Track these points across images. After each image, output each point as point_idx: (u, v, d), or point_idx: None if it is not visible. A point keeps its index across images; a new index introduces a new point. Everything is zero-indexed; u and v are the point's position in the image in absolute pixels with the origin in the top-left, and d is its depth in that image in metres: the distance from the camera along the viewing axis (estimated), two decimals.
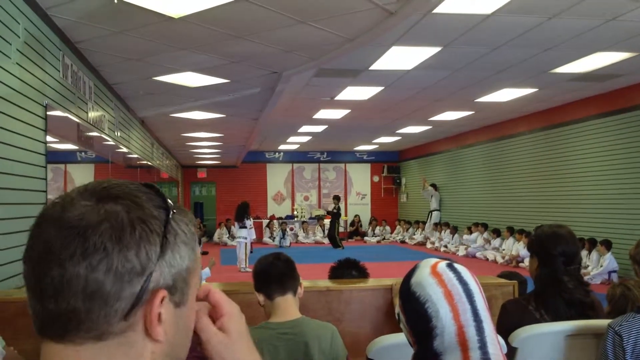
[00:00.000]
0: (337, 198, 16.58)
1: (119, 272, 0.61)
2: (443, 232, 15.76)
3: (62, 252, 0.61)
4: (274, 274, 2.17)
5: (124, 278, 0.61)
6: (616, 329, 1.98)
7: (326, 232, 18.40)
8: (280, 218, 18.77)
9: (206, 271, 6.64)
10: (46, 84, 4.39)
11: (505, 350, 1.62)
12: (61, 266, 0.61)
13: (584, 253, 9.31)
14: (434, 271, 1.25)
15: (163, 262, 0.64)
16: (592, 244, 9.64)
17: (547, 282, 2.33)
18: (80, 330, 0.62)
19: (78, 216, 0.62)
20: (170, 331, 0.66)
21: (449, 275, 1.23)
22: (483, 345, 1.16)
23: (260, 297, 2.20)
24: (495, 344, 1.18)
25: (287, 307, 2.16)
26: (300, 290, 2.24)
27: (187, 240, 0.68)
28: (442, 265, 1.27)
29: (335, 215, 16.08)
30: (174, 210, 0.68)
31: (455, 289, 1.21)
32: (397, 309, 1.31)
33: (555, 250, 2.32)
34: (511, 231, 12.55)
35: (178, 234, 0.67)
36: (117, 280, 0.61)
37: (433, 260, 1.30)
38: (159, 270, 0.64)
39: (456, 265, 1.28)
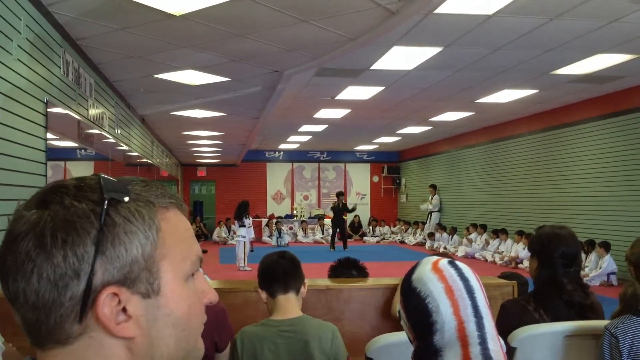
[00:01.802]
0: (339, 194, 16.36)
1: (51, 279, 0.61)
2: (440, 234, 15.78)
3: (5, 267, 0.63)
4: (278, 272, 2.18)
5: (58, 284, 0.61)
6: (612, 330, 1.98)
7: (326, 232, 18.40)
8: (280, 217, 18.77)
9: None
10: (47, 80, 4.38)
11: (504, 349, 1.63)
12: (6, 281, 0.63)
13: (582, 255, 9.31)
14: (435, 267, 1.25)
15: (103, 258, 0.62)
16: (590, 245, 9.64)
17: (547, 283, 2.33)
18: (42, 337, 0.63)
19: (15, 228, 0.63)
20: (147, 324, 0.64)
21: (450, 272, 1.23)
22: (483, 341, 1.16)
23: (263, 295, 2.20)
24: (495, 340, 1.18)
25: (289, 306, 2.16)
26: (303, 290, 2.24)
27: (133, 228, 0.63)
28: (444, 262, 1.27)
29: (338, 212, 15.70)
30: (118, 199, 0.64)
31: (456, 285, 1.21)
32: (398, 306, 1.31)
33: (555, 252, 2.32)
34: (506, 232, 12.57)
35: (118, 224, 0.63)
36: (52, 288, 0.61)
37: (434, 258, 1.30)
38: (102, 268, 0.62)
39: (457, 262, 1.28)
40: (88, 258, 0.61)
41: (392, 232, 19.32)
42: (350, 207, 16.31)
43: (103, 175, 0.66)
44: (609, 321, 2.09)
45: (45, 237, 0.61)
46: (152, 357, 0.66)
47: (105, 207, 0.62)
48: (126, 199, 0.64)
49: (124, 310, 0.63)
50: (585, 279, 8.36)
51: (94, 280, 0.61)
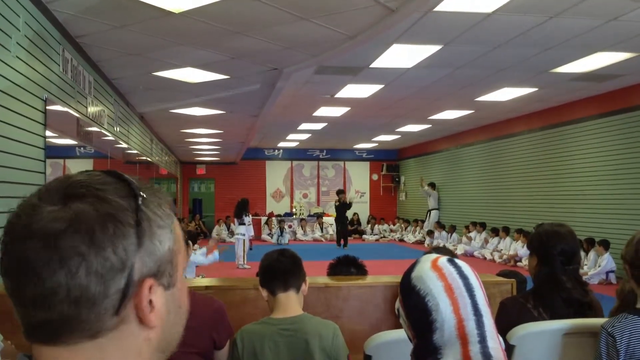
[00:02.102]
0: (339, 192, 16.45)
1: (100, 272, 0.61)
2: (439, 232, 15.79)
3: (39, 263, 0.61)
4: (278, 270, 2.18)
5: (105, 277, 0.61)
6: (609, 330, 1.95)
7: (325, 230, 18.41)
8: (279, 215, 18.78)
9: (214, 255, 6.58)
10: (46, 78, 4.38)
11: (504, 347, 1.62)
12: (41, 278, 0.61)
13: (581, 253, 9.31)
14: (435, 265, 1.25)
15: (143, 251, 0.64)
16: (590, 243, 9.65)
17: (546, 281, 2.33)
18: (73, 332, 0.62)
19: (46, 224, 0.61)
20: (164, 315, 0.67)
21: (449, 270, 1.23)
22: (483, 339, 1.16)
23: (264, 293, 2.20)
24: (495, 338, 1.18)
25: (289, 304, 2.16)
26: (304, 287, 2.24)
27: (162, 223, 0.67)
28: (443, 260, 1.27)
29: (340, 210, 15.79)
30: (144, 195, 0.66)
31: (455, 283, 1.21)
32: (397, 304, 1.31)
33: (555, 249, 2.32)
34: (507, 231, 12.58)
35: (152, 219, 0.65)
36: (99, 281, 0.61)
37: (434, 255, 1.30)
38: (141, 261, 0.63)
39: (457, 260, 1.28)
40: (133, 250, 0.63)
41: (391, 230, 19.34)
42: (348, 201, 16.32)
43: (119, 172, 0.68)
44: (607, 319, 2.09)
45: (95, 230, 0.61)
46: (160, 347, 0.68)
47: (140, 202, 0.64)
48: (145, 195, 0.67)
49: (150, 301, 0.65)
50: (584, 277, 8.36)
51: (135, 273, 0.63)
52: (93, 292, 0.61)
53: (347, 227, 16.05)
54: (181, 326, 0.73)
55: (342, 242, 15.48)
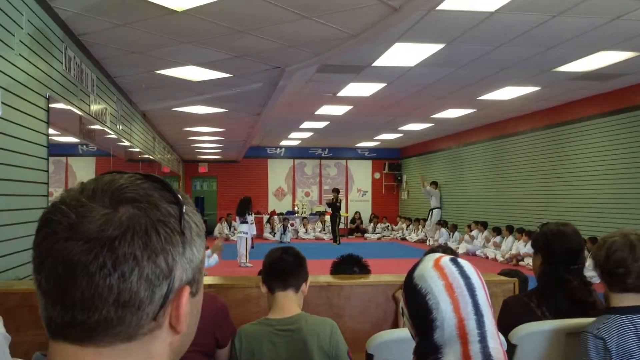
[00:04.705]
0: (335, 191, 16.66)
1: (150, 278, 0.61)
2: (439, 230, 15.79)
3: (91, 265, 0.60)
4: (279, 268, 2.17)
5: (154, 283, 0.62)
6: (595, 332, 1.91)
7: (327, 228, 18.45)
8: (281, 214, 18.79)
9: (214, 258, 6.51)
10: (49, 76, 4.38)
11: (505, 346, 1.61)
12: (91, 279, 0.60)
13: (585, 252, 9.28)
14: (437, 264, 1.25)
15: (184, 259, 0.64)
16: (594, 242, 9.63)
17: (550, 280, 2.32)
18: (108, 334, 0.62)
19: (100, 226, 0.60)
20: (188, 320, 0.67)
21: (451, 269, 1.24)
22: (483, 339, 1.16)
23: (264, 289, 2.20)
24: (496, 338, 1.18)
25: (287, 303, 2.16)
26: (304, 287, 2.23)
27: (199, 232, 0.68)
28: (445, 259, 1.27)
29: (334, 209, 16.12)
30: (185, 203, 0.67)
31: (456, 282, 1.21)
32: (402, 302, 1.32)
33: (559, 249, 2.31)
34: (511, 229, 12.55)
35: (192, 227, 0.66)
36: (148, 286, 0.62)
37: (437, 254, 1.30)
38: (182, 268, 0.64)
39: (459, 260, 1.28)
40: (179, 257, 0.64)
41: (393, 229, 19.34)
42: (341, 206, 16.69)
43: (160, 177, 0.67)
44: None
45: (150, 236, 0.61)
46: (176, 351, 0.68)
47: (184, 210, 0.65)
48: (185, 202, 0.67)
49: None
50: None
51: (175, 280, 0.64)
52: (141, 297, 0.61)
53: (334, 225, 16.24)
54: (195, 331, 0.73)
55: (336, 240, 15.96)
